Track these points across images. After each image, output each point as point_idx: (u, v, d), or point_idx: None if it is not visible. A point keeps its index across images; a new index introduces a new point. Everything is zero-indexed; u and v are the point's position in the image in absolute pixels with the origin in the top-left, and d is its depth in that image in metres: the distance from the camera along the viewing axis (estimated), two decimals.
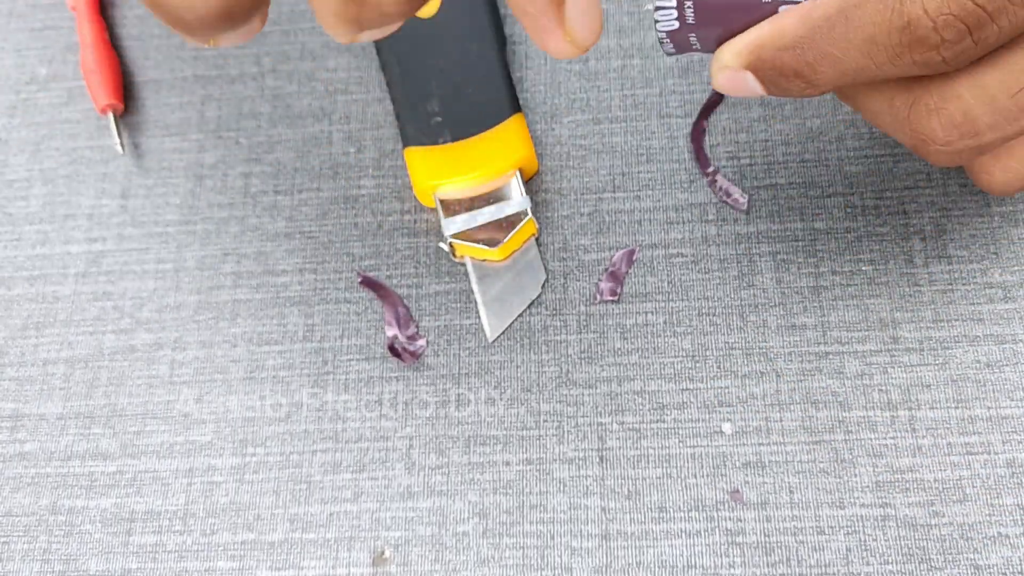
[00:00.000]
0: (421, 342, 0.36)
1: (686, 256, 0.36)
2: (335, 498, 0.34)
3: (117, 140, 0.40)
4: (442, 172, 0.37)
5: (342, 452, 0.35)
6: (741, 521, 0.33)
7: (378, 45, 0.39)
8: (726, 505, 0.33)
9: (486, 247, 0.36)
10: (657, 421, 0.34)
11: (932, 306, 0.35)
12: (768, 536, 0.32)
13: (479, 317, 0.36)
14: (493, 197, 0.37)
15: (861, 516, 0.32)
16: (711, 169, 0.37)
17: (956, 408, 0.33)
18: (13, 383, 0.38)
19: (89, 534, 0.35)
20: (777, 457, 0.33)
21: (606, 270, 0.36)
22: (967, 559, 0.31)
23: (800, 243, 0.36)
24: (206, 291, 0.38)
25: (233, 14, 0.25)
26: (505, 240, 0.36)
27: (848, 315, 0.35)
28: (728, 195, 0.37)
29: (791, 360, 0.34)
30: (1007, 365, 0.34)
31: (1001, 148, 0.29)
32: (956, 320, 0.34)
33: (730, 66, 0.28)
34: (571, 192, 0.38)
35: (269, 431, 0.36)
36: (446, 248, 0.37)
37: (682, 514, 0.33)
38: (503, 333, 0.36)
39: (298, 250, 0.38)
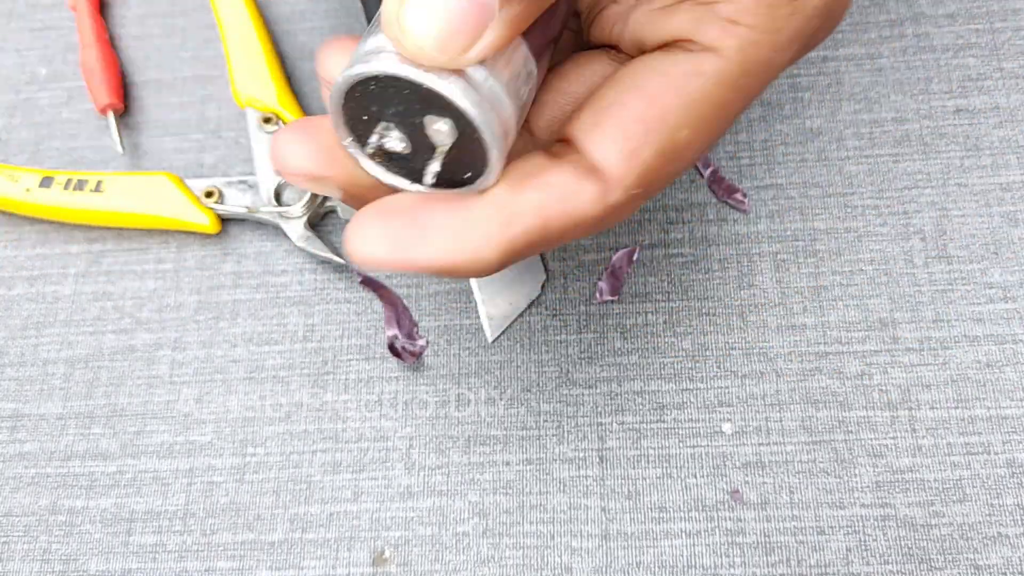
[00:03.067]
0: (421, 342, 0.36)
1: (686, 256, 0.36)
2: (335, 498, 0.34)
3: (117, 140, 0.40)
4: None
5: (342, 452, 0.35)
6: (741, 521, 0.33)
7: None
8: (726, 505, 0.33)
9: None
10: (657, 421, 0.34)
11: (932, 306, 0.35)
12: (768, 536, 0.32)
13: (479, 317, 0.36)
14: None
15: (861, 516, 0.32)
16: (711, 169, 0.37)
17: (956, 408, 0.33)
18: (13, 383, 0.38)
19: (89, 534, 0.35)
20: (777, 457, 0.33)
21: (606, 270, 0.36)
22: (967, 559, 0.31)
23: (800, 243, 0.36)
24: (206, 291, 0.38)
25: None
26: None
27: (848, 315, 0.35)
28: (729, 195, 0.37)
29: (791, 360, 0.34)
30: (1007, 365, 0.34)
31: None
32: (956, 320, 0.34)
33: None
34: None
35: (269, 431, 0.36)
36: None
37: (682, 514, 0.33)
38: (503, 333, 0.36)
39: (298, 250, 0.38)
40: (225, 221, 0.39)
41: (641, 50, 0.25)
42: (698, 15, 0.24)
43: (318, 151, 0.24)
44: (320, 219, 0.39)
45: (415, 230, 0.23)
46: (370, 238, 0.23)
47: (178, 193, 0.38)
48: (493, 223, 0.23)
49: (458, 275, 0.24)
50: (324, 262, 0.38)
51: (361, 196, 0.25)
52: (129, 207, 0.38)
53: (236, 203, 0.38)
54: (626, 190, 0.23)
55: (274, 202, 0.38)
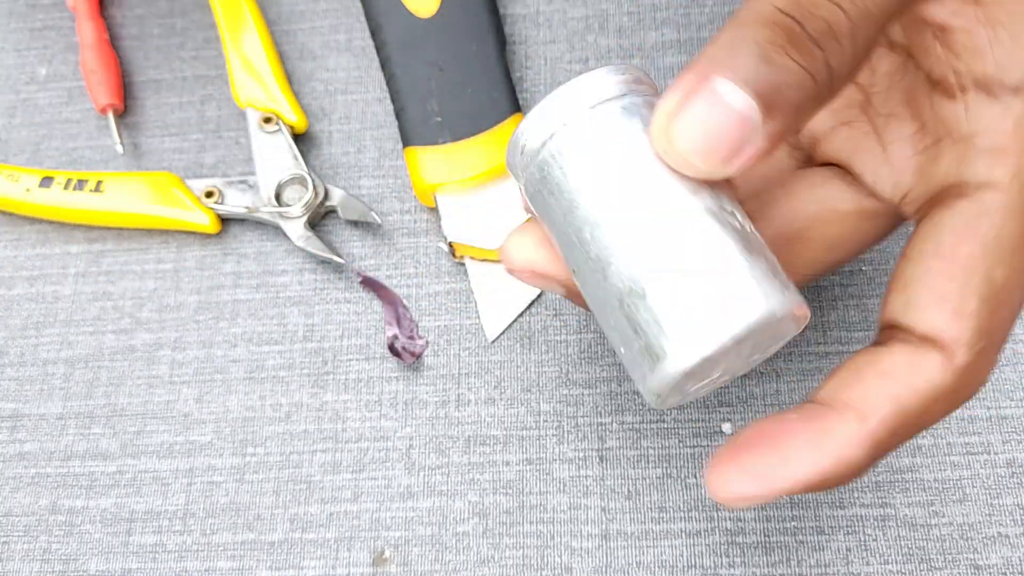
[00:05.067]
0: (421, 342, 0.36)
1: None
2: (335, 498, 0.34)
3: (117, 140, 0.40)
4: (442, 172, 0.37)
5: (342, 452, 0.35)
6: (741, 521, 0.33)
7: (377, 44, 0.39)
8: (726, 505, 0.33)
9: (486, 247, 0.36)
10: (657, 421, 0.34)
11: None
12: (768, 536, 0.32)
13: (479, 317, 0.36)
14: (493, 197, 0.37)
15: (861, 516, 0.32)
16: None
17: None
18: (13, 383, 0.38)
19: (89, 534, 0.35)
20: None
21: None
22: (967, 559, 0.31)
23: None
24: (206, 291, 0.38)
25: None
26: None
27: (848, 315, 0.35)
28: None
29: (791, 360, 0.34)
30: (1007, 365, 0.34)
31: None
32: None
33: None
34: None
35: (269, 431, 0.36)
36: (446, 248, 0.37)
37: (682, 514, 0.33)
38: (503, 333, 0.36)
39: (298, 250, 0.38)
40: (225, 221, 0.39)
41: (903, 193, 0.25)
42: (959, 154, 0.23)
43: (543, 249, 0.25)
44: (320, 219, 0.39)
45: (776, 457, 0.23)
46: (733, 479, 0.23)
47: (178, 193, 0.38)
48: (850, 422, 0.23)
49: (830, 486, 0.23)
50: (324, 262, 0.38)
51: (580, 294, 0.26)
52: (129, 207, 0.38)
53: (236, 203, 0.38)
54: (969, 347, 0.23)
55: (274, 202, 0.38)
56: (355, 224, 0.39)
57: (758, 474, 0.23)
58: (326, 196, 0.38)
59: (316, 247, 0.37)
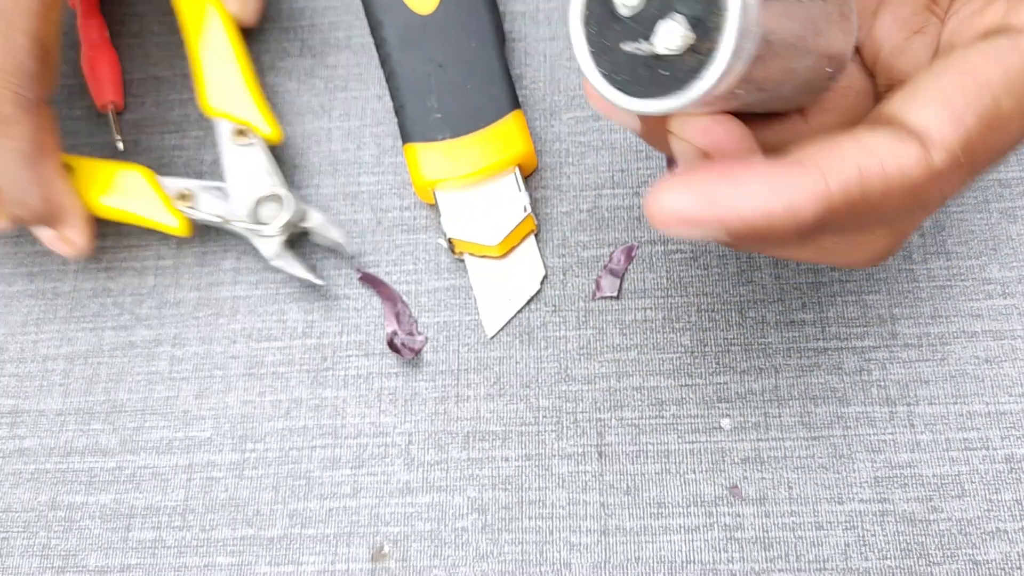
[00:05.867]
0: (420, 338, 0.36)
1: (685, 252, 0.36)
2: (334, 494, 0.34)
3: (117, 137, 0.40)
4: (441, 169, 0.37)
5: (341, 448, 0.35)
6: (740, 516, 0.33)
7: (377, 41, 0.39)
8: (725, 500, 0.33)
9: (485, 243, 0.36)
10: (656, 417, 0.34)
11: (930, 302, 0.35)
12: (767, 531, 0.32)
13: (478, 313, 0.36)
14: (492, 193, 0.37)
15: (860, 511, 0.32)
16: None
17: (954, 404, 0.33)
18: (13, 379, 0.38)
19: (88, 529, 0.35)
20: (776, 453, 0.33)
21: (605, 266, 0.36)
22: (965, 554, 0.31)
23: None
24: (205, 287, 0.38)
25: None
26: (504, 236, 0.36)
27: (847, 311, 0.35)
28: None
29: (790, 356, 0.34)
30: (1005, 361, 0.34)
31: None
32: (954, 316, 0.34)
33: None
34: (570, 188, 0.38)
35: (268, 427, 0.36)
36: (445, 244, 0.37)
37: (681, 510, 0.33)
38: (502, 329, 0.36)
39: (297, 247, 0.38)
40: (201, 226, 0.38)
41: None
42: (1013, 4, 0.24)
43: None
44: (299, 237, 0.38)
45: (728, 181, 0.21)
46: (677, 189, 0.21)
47: (150, 191, 0.37)
48: (812, 176, 0.22)
49: (771, 236, 0.22)
50: (323, 258, 0.38)
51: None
52: (101, 198, 0.37)
53: (210, 211, 0.37)
54: (950, 153, 0.22)
55: (250, 217, 0.36)
56: (354, 221, 0.39)
57: (704, 193, 0.21)
58: (304, 217, 0.37)
59: (291, 267, 0.36)
